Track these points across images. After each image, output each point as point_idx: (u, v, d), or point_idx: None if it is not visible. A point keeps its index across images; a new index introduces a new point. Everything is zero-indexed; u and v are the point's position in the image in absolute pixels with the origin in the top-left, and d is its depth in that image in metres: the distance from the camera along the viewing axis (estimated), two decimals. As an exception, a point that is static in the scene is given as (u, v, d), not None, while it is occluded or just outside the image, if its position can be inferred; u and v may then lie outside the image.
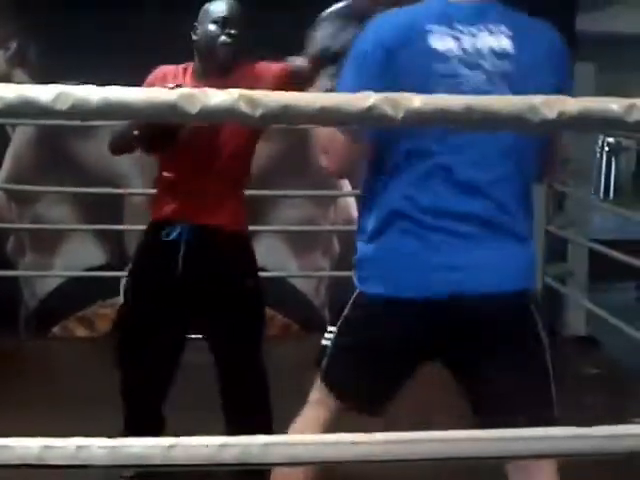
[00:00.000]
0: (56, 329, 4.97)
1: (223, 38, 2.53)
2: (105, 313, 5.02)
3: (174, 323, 2.64)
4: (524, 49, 1.81)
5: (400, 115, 0.86)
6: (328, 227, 5.09)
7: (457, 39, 1.78)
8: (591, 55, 5.27)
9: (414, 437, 0.99)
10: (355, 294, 1.88)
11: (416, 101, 0.86)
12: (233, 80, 2.34)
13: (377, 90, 1.88)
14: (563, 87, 1.82)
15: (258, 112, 0.82)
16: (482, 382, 1.83)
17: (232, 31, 2.53)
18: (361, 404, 1.89)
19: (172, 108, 0.81)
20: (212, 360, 2.72)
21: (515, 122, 0.92)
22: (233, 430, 2.58)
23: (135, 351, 2.69)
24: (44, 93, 0.79)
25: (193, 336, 2.77)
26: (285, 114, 0.83)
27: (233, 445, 0.87)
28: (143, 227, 4.86)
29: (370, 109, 0.84)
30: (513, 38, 1.81)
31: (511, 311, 1.81)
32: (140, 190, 4.90)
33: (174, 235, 2.58)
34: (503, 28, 1.82)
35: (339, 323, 1.91)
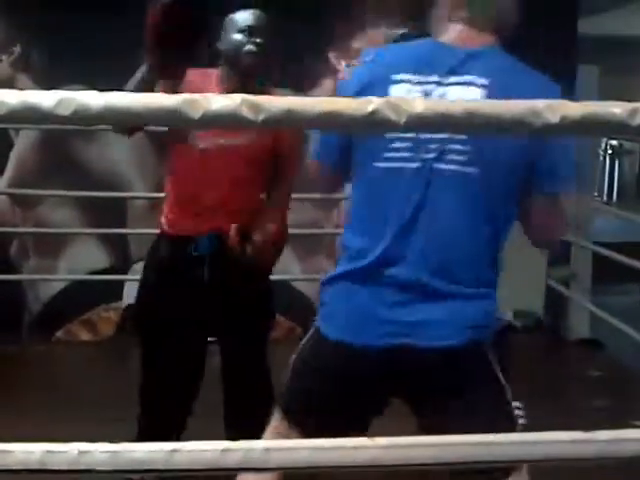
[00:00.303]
0: (60, 333, 4.97)
1: (249, 47, 2.57)
2: (108, 316, 5.03)
3: (199, 331, 2.68)
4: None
5: (403, 120, 0.85)
6: (331, 230, 5.09)
7: (426, 91, 1.73)
8: (594, 58, 5.27)
9: (416, 442, 0.99)
10: (314, 325, 1.87)
11: (419, 106, 0.86)
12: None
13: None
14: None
15: (260, 117, 0.82)
16: (437, 429, 1.81)
17: (258, 40, 2.56)
18: (311, 433, 1.86)
19: (174, 113, 0.81)
20: (213, 365, 2.74)
21: (517, 126, 0.92)
22: (235, 431, 2.58)
23: (164, 363, 2.70)
24: (46, 99, 0.79)
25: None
26: (287, 119, 0.83)
27: (235, 450, 0.87)
28: (146, 231, 4.89)
29: (373, 114, 0.84)
30: (486, 89, 1.73)
31: (460, 362, 1.77)
32: (143, 194, 4.91)
33: (200, 249, 2.62)
34: (483, 80, 1.74)
35: (298, 349, 1.90)
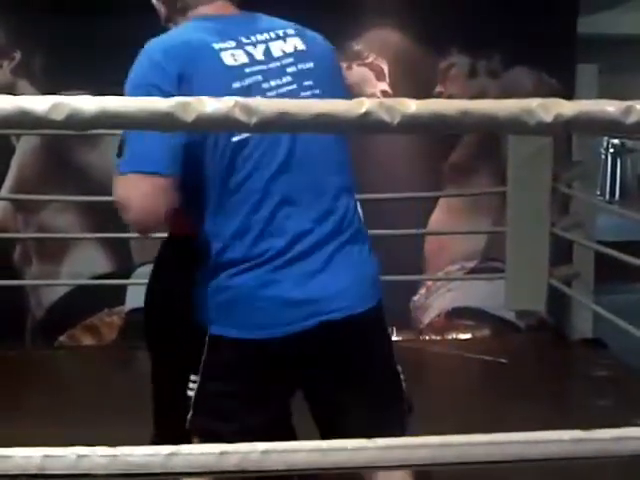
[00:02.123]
0: (63, 337, 4.98)
1: None
2: (111, 321, 5.03)
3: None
4: (312, 45, 1.80)
5: (396, 121, 0.86)
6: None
7: (244, 51, 1.71)
8: (594, 57, 5.26)
9: (416, 442, 0.99)
10: (208, 338, 1.75)
11: (412, 106, 0.86)
12: None
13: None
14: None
15: (253, 120, 0.82)
16: (338, 408, 1.76)
17: None
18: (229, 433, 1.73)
19: (168, 117, 0.81)
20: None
21: (511, 125, 0.92)
22: None
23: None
24: (39, 104, 0.79)
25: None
26: (281, 121, 0.83)
27: (233, 452, 0.87)
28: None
29: (365, 115, 0.84)
30: (300, 37, 1.79)
31: (367, 328, 1.73)
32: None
33: None
34: (286, 30, 1.79)
35: (200, 370, 1.78)
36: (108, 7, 4.69)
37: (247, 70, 1.69)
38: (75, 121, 0.80)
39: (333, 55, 1.86)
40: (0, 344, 4.63)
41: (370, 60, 5.21)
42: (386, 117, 0.84)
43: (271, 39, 1.75)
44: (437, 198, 5.25)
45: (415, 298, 5.33)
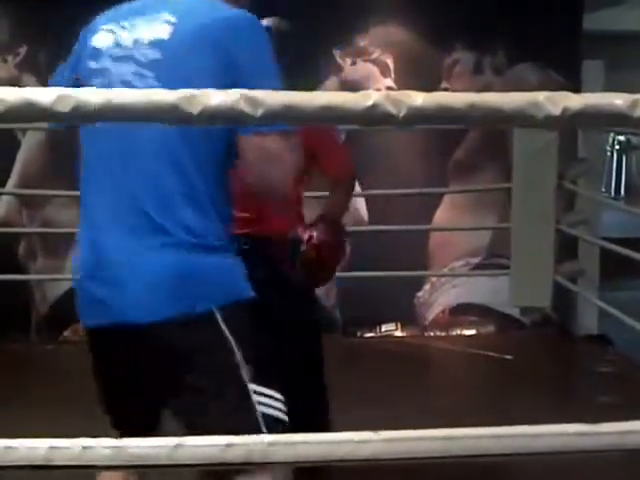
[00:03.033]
0: (67, 332, 4.98)
1: None
2: (116, 316, 5.04)
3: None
4: (179, 34, 1.66)
5: (402, 113, 0.85)
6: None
7: (114, 34, 1.74)
8: (599, 53, 5.25)
9: (421, 435, 0.99)
10: None
11: (418, 99, 0.86)
12: None
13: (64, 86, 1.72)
14: (238, 64, 1.63)
15: (259, 112, 0.82)
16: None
17: None
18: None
19: (173, 109, 0.81)
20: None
21: (519, 118, 0.91)
22: None
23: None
24: (45, 96, 0.79)
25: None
26: (286, 113, 0.83)
27: (238, 445, 0.87)
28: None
29: (372, 107, 0.84)
30: (173, 24, 1.68)
31: (178, 338, 1.59)
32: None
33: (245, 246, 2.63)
34: (165, 15, 1.70)
35: None
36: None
37: (103, 53, 1.73)
38: (80, 113, 0.80)
39: (210, 43, 1.65)
40: (5, 338, 4.64)
41: (375, 56, 5.20)
42: (393, 109, 0.84)
43: (146, 24, 1.71)
44: (442, 195, 5.25)
45: (420, 294, 5.33)
